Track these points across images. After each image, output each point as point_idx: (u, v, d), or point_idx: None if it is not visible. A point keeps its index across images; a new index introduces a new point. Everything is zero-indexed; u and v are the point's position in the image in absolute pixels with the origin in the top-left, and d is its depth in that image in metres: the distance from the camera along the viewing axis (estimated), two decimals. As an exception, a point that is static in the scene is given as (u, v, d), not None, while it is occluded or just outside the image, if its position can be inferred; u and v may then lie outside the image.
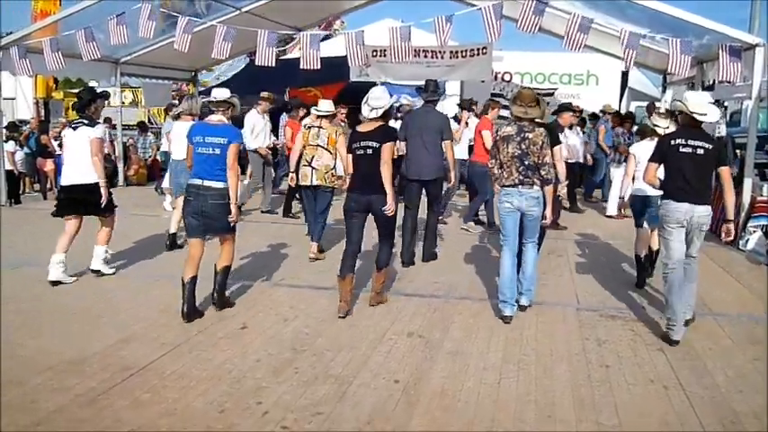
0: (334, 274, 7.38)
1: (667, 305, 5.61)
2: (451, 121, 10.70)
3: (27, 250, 8.26)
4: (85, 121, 7.08)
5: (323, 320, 5.92)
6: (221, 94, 6.28)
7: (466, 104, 12.20)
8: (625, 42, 9.41)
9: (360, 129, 6.21)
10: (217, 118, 6.10)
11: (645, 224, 7.19)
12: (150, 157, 16.69)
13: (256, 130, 11.22)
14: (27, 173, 14.37)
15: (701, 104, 5.61)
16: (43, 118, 19.27)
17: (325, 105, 8.26)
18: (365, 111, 6.11)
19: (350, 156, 6.21)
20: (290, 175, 8.44)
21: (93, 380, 4.55)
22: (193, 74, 17.85)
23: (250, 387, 4.49)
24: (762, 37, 9.53)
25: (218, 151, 5.86)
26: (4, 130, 13.02)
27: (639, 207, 7.17)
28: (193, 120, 8.57)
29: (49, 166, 14.09)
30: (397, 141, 6.52)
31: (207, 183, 5.87)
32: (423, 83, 8.67)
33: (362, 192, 6.09)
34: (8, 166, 12.64)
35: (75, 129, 7.08)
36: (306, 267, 7.83)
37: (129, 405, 4.20)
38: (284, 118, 12.89)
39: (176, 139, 8.72)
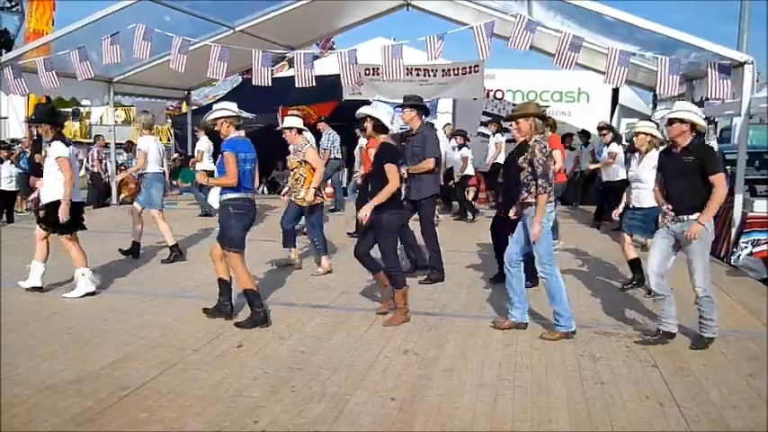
0: (329, 292, 7.44)
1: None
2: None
3: (23, 269, 8.16)
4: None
5: (318, 339, 5.92)
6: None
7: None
8: (615, 60, 9.52)
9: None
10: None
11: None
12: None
13: None
14: (21, 191, 14.34)
15: (682, 108, 5.84)
16: (36, 137, 19.25)
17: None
18: None
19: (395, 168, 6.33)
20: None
21: (90, 399, 4.54)
22: (186, 92, 17.92)
23: (247, 406, 4.49)
24: (750, 54, 9.66)
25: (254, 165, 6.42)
26: (-2, 150, 13.04)
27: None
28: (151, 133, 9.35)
29: (41, 184, 14.04)
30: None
31: (251, 195, 6.34)
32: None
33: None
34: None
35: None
36: (301, 286, 7.84)
37: (126, 425, 4.19)
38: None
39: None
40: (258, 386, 4.84)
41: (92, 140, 20.64)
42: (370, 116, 6.34)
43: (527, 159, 5.95)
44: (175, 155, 19.53)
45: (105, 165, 16.38)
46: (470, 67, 15.70)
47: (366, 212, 6.22)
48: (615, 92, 17.78)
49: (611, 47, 9.72)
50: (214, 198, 11.46)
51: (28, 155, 14.79)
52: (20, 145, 16.19)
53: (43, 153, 15.11)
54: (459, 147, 13.92)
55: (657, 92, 10.26)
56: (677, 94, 10.66)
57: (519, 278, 6.18)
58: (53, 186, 7.09)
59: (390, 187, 6.19)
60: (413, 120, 8.05)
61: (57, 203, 7.03)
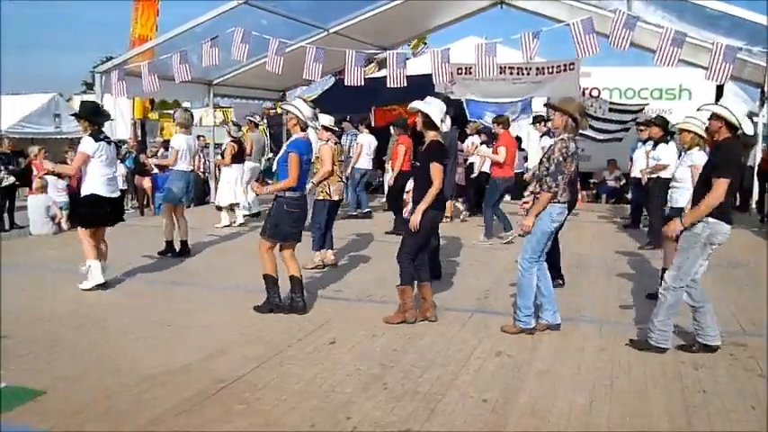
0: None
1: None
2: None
3: (119, 264, 8.44)
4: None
5: (411, 337, 5.93)
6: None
7: None
8: (720, 56, 9.11)
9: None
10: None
11: None
12: None
13: None
14: (128, 189, 15.08)
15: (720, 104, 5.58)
16: (140, 138, 20.17)
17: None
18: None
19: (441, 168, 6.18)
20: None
21: (188, 390, 4.70)
22: (282, 93, 18.30)
23: (340, 402, 4.55)
24: None
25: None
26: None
27: None
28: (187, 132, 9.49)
29: (146, 183, 14.74)
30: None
31: (305, 193, 6.78)
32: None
33: None
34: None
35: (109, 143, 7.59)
36: (392, 283, 7.84)
37: (224, 416, 4.32)
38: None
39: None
40: (351, 382, 4.89)
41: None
42: (421, 111, 6.25)
43: (546, 155, 5.89)
44: (270, 154, 20.02)
45: (206, 164, 16.94)
46: (566, 65, 15.37)
47: (416, 219, 6.12)
48: (720, 88, 17.00)
49: (716, 41, 9.30)
50: (223, 199, 11.84)
51: (134, 155, 15.49)
52: (126, 145, 16.97)
53: (148, 152, 15.88)
54: (482, 143, 13.66)
55: (766, 88, 9.73)
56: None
57: (545, 280, 6.07)
58: (86, 182, 7.42)
59: (434, 189, 6.10)
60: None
61: (85, 198, 7.41)
